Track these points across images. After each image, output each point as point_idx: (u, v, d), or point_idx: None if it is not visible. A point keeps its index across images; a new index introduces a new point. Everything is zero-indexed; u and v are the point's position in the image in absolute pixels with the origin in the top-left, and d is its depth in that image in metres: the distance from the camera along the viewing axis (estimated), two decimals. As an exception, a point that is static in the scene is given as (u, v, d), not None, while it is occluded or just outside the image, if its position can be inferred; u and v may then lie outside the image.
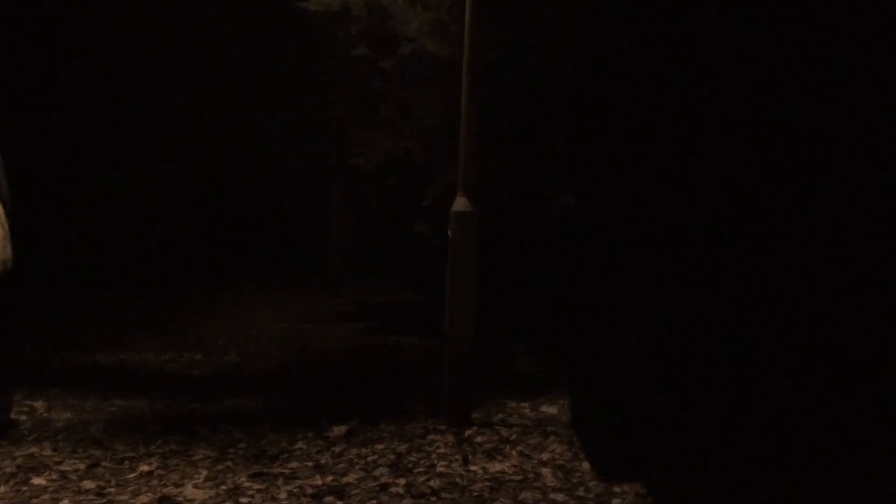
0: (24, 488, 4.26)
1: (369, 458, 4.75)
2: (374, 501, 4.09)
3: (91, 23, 11.02)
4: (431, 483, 4.29)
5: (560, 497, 4.11)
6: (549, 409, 5.96)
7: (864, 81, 6.09)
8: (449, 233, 5.38)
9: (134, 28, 11.00)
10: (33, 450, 4.93)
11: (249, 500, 4.14)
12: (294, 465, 4.70)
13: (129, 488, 4.26)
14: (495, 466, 4.55)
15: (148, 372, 7.58)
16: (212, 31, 10.72)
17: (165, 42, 10.97)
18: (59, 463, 4.68)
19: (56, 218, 11.83)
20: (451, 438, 5.13)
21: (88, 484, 4.31)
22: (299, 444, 5.17)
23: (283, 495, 4.19)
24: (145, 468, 4.56)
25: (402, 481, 4.33)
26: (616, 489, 4.17)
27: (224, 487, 4.26)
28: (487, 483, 4.29)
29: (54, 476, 4.44)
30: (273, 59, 11.11)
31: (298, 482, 4.37)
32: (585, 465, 4.55)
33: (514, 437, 5.14)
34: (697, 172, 5.72)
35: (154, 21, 10.99)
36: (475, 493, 4.15)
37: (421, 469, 4.55)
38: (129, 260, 11.99)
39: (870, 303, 4.67)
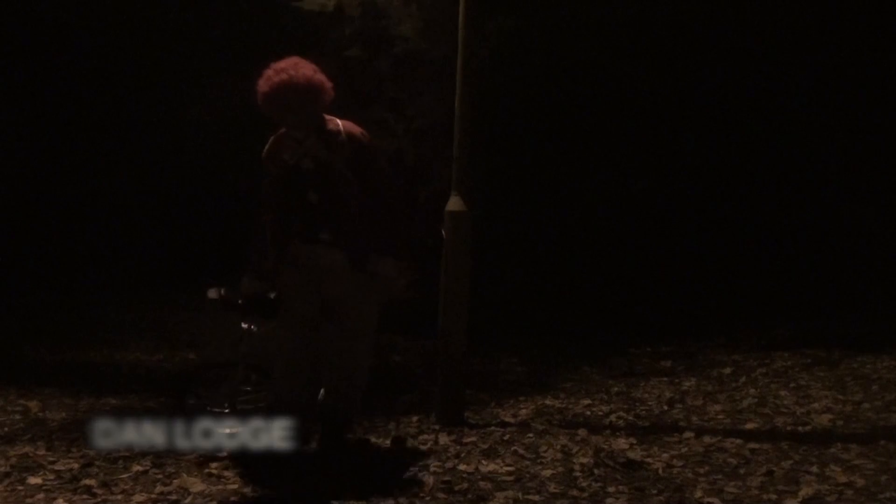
0: (20, 488, 4.26)
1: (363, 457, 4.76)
2: (369, 501, 4.09)
3: (83, 21, 11.00)
4: (426, 483, 4.30)
5: (554, 496, 4.12)
6: (544, 408, 5.98)
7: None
8: (443, 232, 5.39)
9: (127, 27, 10.98)
10: (28, 449, 4.93)
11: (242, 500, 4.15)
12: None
13: (124, 487, 4.27)
14: (489, 466, 4.56)
15: (142, 371, 7.58)
16: (205, 30, 10.70)
17: (158, 41, 10.96)
18: (54, 462, 4.68)
19: (50, 217, 11.82)
20: (444, 438, 5.14)
21: (83, 483, 4.31)
22: (293, 444, 5.17)
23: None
24: (139, 468, 4.56)
25: (395, 481, 4.34)
26: (610, 489, 4.19)
27: (217, 487, 4.26)
28: (481, 482, 4.30)
29: (49, 475, 4.44)
30: (266, 60, 11.09)
31: (293, 481, 4.38)
32: (581, 462, 4.57)
33: (507, 436, 5.15)
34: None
35: (147, 20, 10.97)
36: (469, 493, 4.15)
37: (414, 468, 4.55)
38: (122, 259, 11.97)
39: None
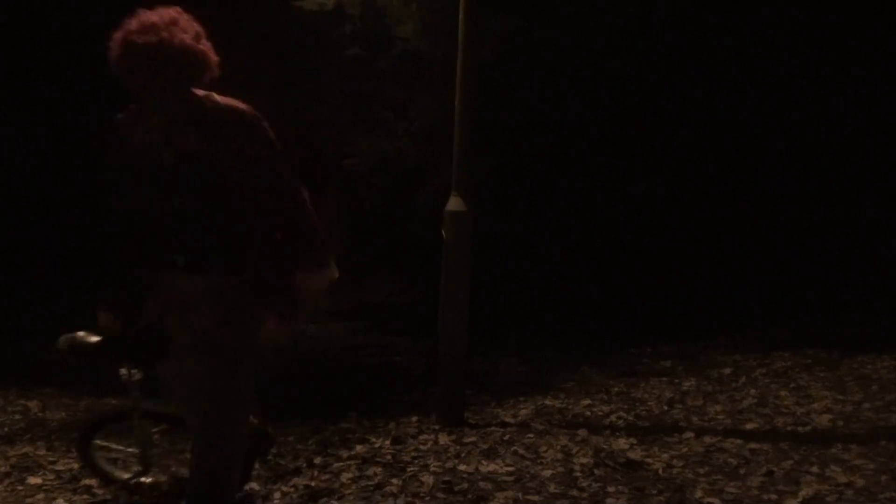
0: (20, 487, 4.26)
1: (363, 458, 4.76)
2: (369, 501, 4.09)
3: (82, 19, 11.00)
4: (425, 483, 4.30)
5: (554, 496, 4.12)
6: (544, 408, 5.98)
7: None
8: (443, 232, 5.39)
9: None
10: (28, 449, 4.93)
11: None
12: (287, 464, 4.70)
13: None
14: (489, 466, 4.56)
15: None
16: (203, 29, 10.67)
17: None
18: (54, 462, 4.68)
19: (51, 217, 11.83)
20: (444, 438, 5.14)
21: (83, 483, 4.31)
22: (292, 444, 5.18)
23: (276, 495, 4.19)
24: (139, 468, 4.56)
25: (396, 481, 4.34)
26: (610, 489, 4.19)
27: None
28: (481, 483, 4.30)
29: (49, 475, 4.44)
30: (266, 59, 11.10)
31: (292, 481, 4.38)
32: (581, 462, 4.57)
33: (507, 436, 5.15)
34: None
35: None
36: (469, 493, 4.15)
37: (415, 469, 4.55)
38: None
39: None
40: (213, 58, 3.24)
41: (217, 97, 3.30)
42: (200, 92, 3.26)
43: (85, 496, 4.15)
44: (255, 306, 3.37)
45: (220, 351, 3.28)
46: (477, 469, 4.51)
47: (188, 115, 3.22)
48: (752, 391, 6.29)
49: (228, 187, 3.24)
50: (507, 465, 4.57)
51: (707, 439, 5.01)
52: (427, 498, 4.11)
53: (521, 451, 4.83)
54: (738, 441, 4.95)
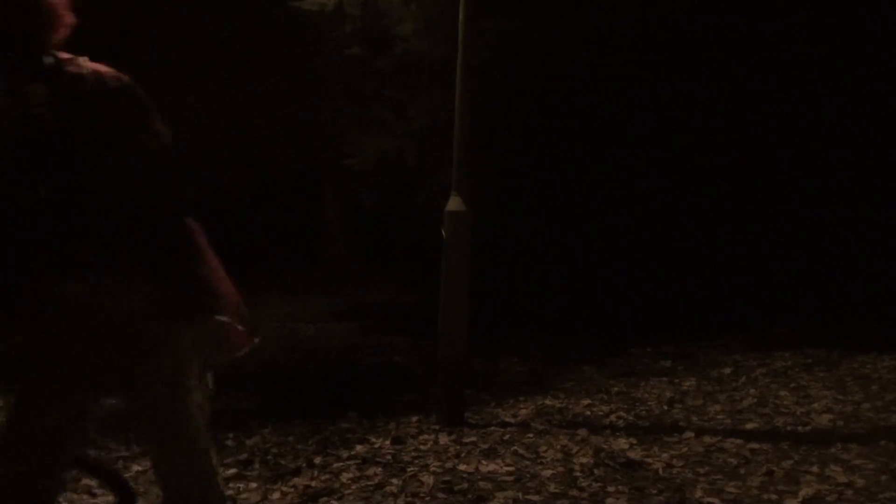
0: (19, 488, 4.25)
1: (363, 458, 4.76)
2: (369, 501, 4.09)
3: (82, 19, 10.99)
4: (425, 483, 4.29)
5: (554, 496, 4.12)
6: (544, 408, 5.97)
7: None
8: (443, 232, 5.39)
9: (126, 26, 10.98)
10: (27, 449, 4.92)
11: (242, 500, 4.14)
12: (287, 464, 4.70)
13: (123, 488, 4.26)
14: (489, 466, 4.56)
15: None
16: (204, 29, 10.70)
17: (157, 40, 10.97)
18: (53, 462, 4.67)
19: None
20: (444, 438, 5.13)
21: (83, 483, 4.30)
22: (292, 444, 5.17)
23: (276, 495, 4.19)
24: (138, 468, 4.56)
25: (396, 481, 4.34)
26: (610, 489, 4.18)
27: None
28: (481, 483, 4.29)
29: (48, 475, 4.43)
30: (266, 59, 11.11)
31: (292, 481, 4.38)
32: (581, 462, 4.56)
33: (507, 436, 5.14)
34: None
35: (146, 19, 10.98)
36: (469, 493, 4.15)
37: (415, 469, 4.55)
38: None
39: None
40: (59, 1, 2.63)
41: (83, 61, 2.68)
42: (64, 55, 2.65)
43: (85, 496, 4.15)
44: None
45: (161, 402, 2.73)
46: (477, 469, 4.51)
47: (48, 80, 2.58)
48: (752, 391, 6.28)
49: (108, 167, 2.57)
50: (507, 465, 4.57)
51: (707, 439, 5.00)
52: (427, 498, 4.10)
53: (521, 451, 4.82)
54: (738, 441, 4.95)
